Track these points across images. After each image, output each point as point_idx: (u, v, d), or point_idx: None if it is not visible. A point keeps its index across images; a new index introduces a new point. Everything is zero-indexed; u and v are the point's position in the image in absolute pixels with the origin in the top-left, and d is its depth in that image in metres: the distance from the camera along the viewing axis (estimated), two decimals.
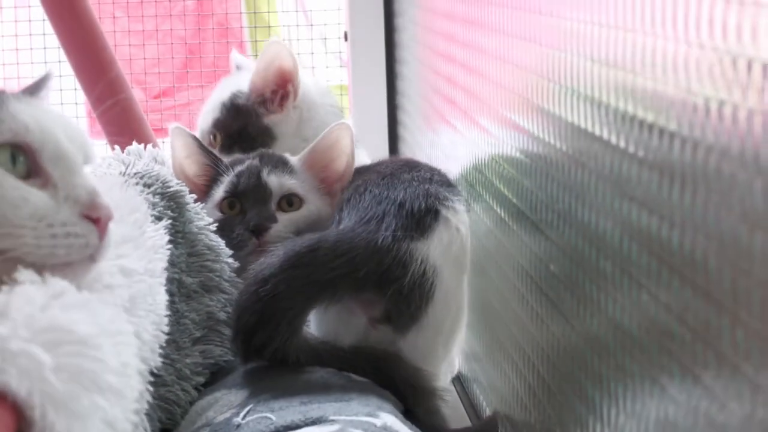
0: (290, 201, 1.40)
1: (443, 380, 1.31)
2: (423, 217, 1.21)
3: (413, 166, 1.34)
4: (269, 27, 2.53)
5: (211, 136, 1.60)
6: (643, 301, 0.75)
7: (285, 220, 1.38)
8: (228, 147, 1.58)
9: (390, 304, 1.19)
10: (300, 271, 1.15)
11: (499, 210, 1.19)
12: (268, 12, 2.56)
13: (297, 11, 2.62)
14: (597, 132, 0.82)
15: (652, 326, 0.73)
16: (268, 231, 1.35)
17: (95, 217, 0.85)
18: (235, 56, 1.77)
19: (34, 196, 0.82)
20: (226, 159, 1.46)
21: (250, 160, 1.42)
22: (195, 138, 1.44)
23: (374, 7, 1.97)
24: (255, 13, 2.58)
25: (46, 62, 2.19)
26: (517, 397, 1.15)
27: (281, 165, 1.41)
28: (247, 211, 1.38)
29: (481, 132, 1.29)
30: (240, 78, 1.63)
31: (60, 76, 1.97)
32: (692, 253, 0.65)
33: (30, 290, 0.75)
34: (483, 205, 1.28)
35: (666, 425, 0.72)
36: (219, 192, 1.40)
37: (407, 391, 1.18)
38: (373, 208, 1.22)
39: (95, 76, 1.59)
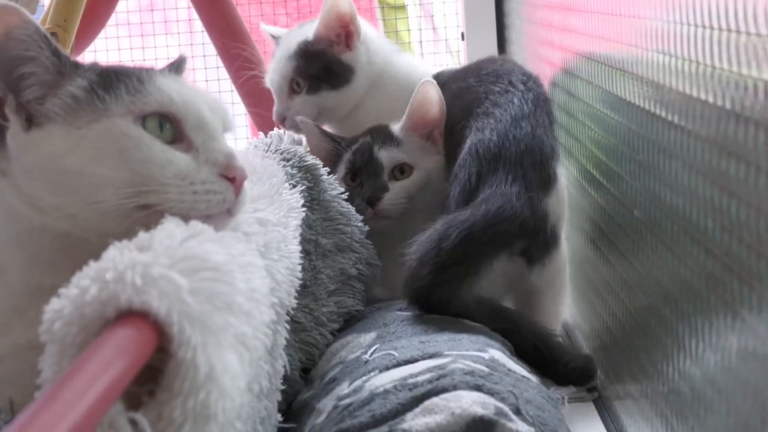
0: (402, 169, 1.41)
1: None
2: (549, 176, 1.27)
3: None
4: (396, 32, 2.53)
5: (295, 84, 1.56)
6: (719, 237, 0.72)
7: (397, 188, 1.40)
8: (315, 87, 1.55)
9: (530, 245, 1.25)
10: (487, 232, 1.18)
11: (593, 170, 1.18)
12: (395, 18, 2.56)
13: (421, 16, 2.61)
14: (704, 97, 0.79)
15: (731, 261, 0.71)
16: (381, 200, 1.38)
17: (231, 177, 0.87)
18: (266, 28, 1.72)
19: (178, 158, 0.85)
20: (341, 138, 1.48)
21: (363, 138, 1.44)
22: (317, 126, 1.49)
23: (487, 8, 1.95)
24: (385, 19, 2.58)
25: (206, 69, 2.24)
26: (609, 332, 1.13)
27: (389, 139, 1.43)
28: (363, 182, 1.41)
29: (576, 101, 1.27)
30: (298, 33, 1.59)
31: (218, 67, 2.03)
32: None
33: (171, 227, 0.76)
34: (576, 165, 1.27)
35: (745, 355, 0.69)
36: (341, 168, 1.44)
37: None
38: (511, 162, 1.25)
39: (234, 53, 1.63)
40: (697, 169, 0.77)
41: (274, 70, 1.58)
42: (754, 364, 0.68)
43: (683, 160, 0.80)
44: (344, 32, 1.53)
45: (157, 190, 0.82)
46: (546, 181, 1.27)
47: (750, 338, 0.68)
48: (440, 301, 1.17)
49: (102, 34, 2.27)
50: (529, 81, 1.37)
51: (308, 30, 1.56)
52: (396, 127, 1.44)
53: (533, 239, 1.24)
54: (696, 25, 0.75)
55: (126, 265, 0.68)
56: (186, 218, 0.82)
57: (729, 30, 0.68)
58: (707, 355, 0.78)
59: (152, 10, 2.32)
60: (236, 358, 0.73)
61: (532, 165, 1.25)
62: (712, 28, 0.72)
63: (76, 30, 1.67)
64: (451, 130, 1.39)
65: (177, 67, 1.00)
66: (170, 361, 0.69)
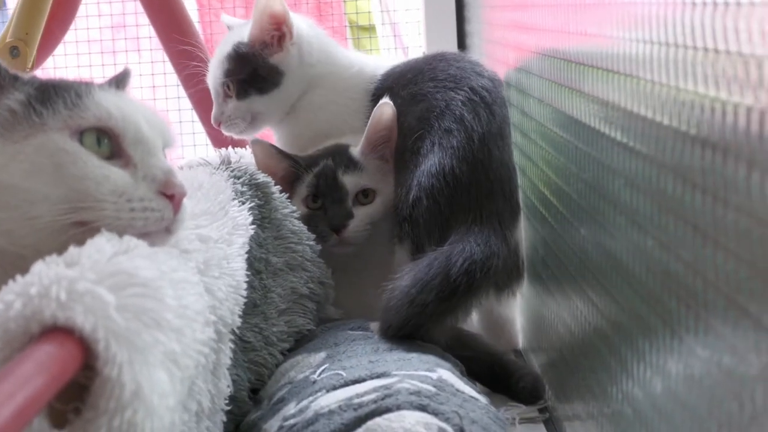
0: (366, 193, 1.39)
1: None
2: (515, 206, 1.30)
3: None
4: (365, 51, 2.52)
5: (226, 87, 1.50)
6: (658, 256, 0.71)
7: (361, 215, 1.37)
8: (244, 92, 1.48)
9: (503, 278, 1.29)
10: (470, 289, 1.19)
11: (544, 190, 1.17)
12: (360, 37, 2.56)
13: (390, 36, 2.59)
14: (644, 113, 0.78)
15: (669, 280, 0.70)
16: (347, 227, 1.35)
17: (170, 194, 0.85)
18: (226, 18, 1.64)
19: (115, 174, 0.83)
20: (300, 158, 1.43)
21: (325, 161, 1.39)
22: (273, 145, 1.43)
23: (448, 30, 1.94)
24: (355, 39, 2.57)
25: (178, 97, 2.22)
26: (559, 352, 1.12)
27: (352, 163, 1.39)
28: (327, 207, 1.37)
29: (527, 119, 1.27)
30: (237, 33, 1.52)
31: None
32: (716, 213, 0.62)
33: (102, 242, 0.75)
34: (529, 184, 1.28)
35: (684, 376, 0.68)
36: (302, 190, 1.39)
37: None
38: (482, 195, 1.27)
39: (184, 61, 1.60)
40: (638, 186, 0.76)
41: (211, 71, 1.52)
42: (692, 385, 0.67)
43: (625, 177, 0.79)
44: (278, 33, 1.47)
45: (93, 206, 0.81)
46: (513, 212, 1.29)
47: (688, 359, 0.67)
48: (423, 330, 1.18)
49: (72, 50, 2.27)
50: (494, 88, 1.36)
51: (246, 30, 1.50)
52: (356, 150, 1.41)
53: (508, 273, 1.28)
54: (636, 41, 0.75)
55: (51, 279, 0.67)
56: (122, 235, 0.80)
57: (668, 44, 0.68)
58: (648, 376, 0.77)
59: (124, 26, 2.30)
60: (166, 376, 0.71)
61: (503, 197, 1.27)
62: (651, 42, 0.71)
63: (37, 44, 1.66)
64: (404, 136, 1.35)
65: (120, 81, 0.98)
66: (96, 379, 0.67)
